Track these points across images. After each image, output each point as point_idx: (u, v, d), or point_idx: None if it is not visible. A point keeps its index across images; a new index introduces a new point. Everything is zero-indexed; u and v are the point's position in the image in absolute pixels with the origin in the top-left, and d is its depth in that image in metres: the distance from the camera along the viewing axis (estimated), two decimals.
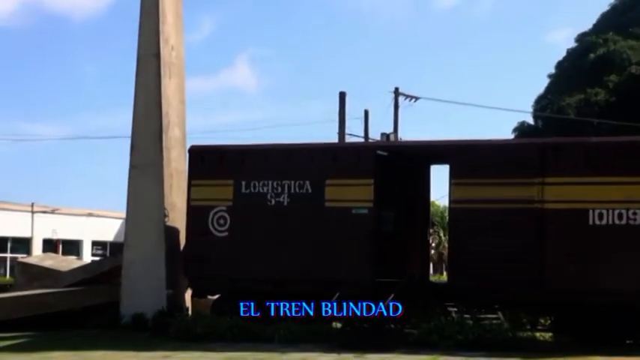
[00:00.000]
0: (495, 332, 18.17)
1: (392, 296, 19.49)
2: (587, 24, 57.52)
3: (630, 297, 18.23)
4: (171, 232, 22.17)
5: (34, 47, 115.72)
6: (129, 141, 22.68)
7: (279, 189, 20.93)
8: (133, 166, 22.37)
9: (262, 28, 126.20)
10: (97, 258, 48.55)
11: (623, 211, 18.39)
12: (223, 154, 22.02)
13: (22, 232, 56.40)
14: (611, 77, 48.41)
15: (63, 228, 58.38)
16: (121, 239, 24.37)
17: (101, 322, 21.45)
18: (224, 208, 21.26)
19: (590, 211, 18.58)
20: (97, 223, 60.53)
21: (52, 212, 58.66)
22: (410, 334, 18.75)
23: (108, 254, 55.28)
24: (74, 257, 45.90)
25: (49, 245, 56.25)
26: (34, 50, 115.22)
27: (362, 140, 39.00)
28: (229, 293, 21.24)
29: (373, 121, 42.13)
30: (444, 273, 24.92)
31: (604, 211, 18.51)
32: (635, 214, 18.31)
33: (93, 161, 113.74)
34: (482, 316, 19.76)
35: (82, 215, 60.65)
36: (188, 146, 23.07)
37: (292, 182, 20.86)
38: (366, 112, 42.20)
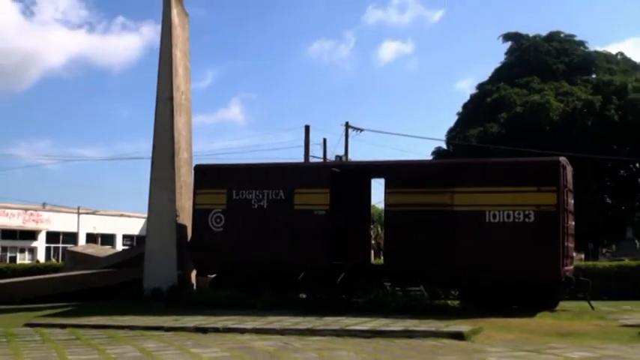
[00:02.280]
0: (419, 301, 18.30)
1: (343, 275, 19.54)
2: (484, 76, 57.82)
3: (515, 274, 18.35)
4: (181, 228, 22.08)
5: (81, 93, 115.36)
6: (149, 161, 22.59)
7: (261, 196, 20.90)
8: (153, 180, 22.27)
9: (250, 78, 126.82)
10: (126, 247, 48.17)
11: (511, 212, 18.53)
12: (219, 170, 22.04)
13: (70, 228, 55.98)
14: (502, 115, 48.80)
15: (101, 225, 58.03)
16: (144, 233, 24.21)
17: (128, 295, 21.27)
18: (220, 210, 21.19)
19: (487, 212, 18.69)
20: (126, 222, 60.17)
21: (93, 213, 58.23)
22: (356, 302, 18.76)
23: (135, 244, 54.80)
24: (109, 247, 45.51)
25: (91, 238, 55.85)
26: (82, 95, 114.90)
27: (321, 161, 39.02)
28: (224, 273, 21.19)
29: (330, 146, 42.34)
30: (381, 258, 24.92)
31: (497, 212, 18.63)
32: (519, 214, 18.46)
33: (124, 176, 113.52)
34: (409, 289, 19.78)
35: (116, 215, 60.26)
36: (193, 165, 23.09)
37: (270, 191, 20.84)
38: (325, 140, 42.40)
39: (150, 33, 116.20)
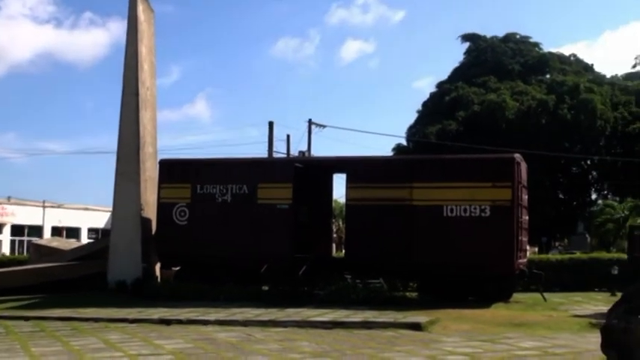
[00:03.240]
0: (378, 293, 18.34)
1: (305, 267, 19.54)
2: (443, 75, 58.33)
3: (471, 266, 18.50)
4: (146, 222, 21.86)
5: (48, 88, 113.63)
6: (115, 155, 22.35)
7: (225, 190, 20.80)
8: (118, 173, 22.00)
9: (215, 75, 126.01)
10: (91, 240, 47.59)
11: (467, 207, 18.68)
12: (184, 165, 21.91)
13: (35, 221, 55.10)
14: (460, 113, 49.31)
15: (66, 218, 57.19)
16: (109, 227, 23.94)
17: (93, 287, 21.02)
18: (184, 204, 21.05)
19: (445, 207, 18.82)
20: (91, 215, 59.42)
21: (59, 207, 57.41)
22: (318, 294, 18.77)
23: (100, 237, 54.12)
24: (74, 240, 44.88)
25: (56, 231, 55.07)
26: (49, 89, 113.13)
27: (285, 156, 38.96)
28: (188, 266, 21.06)
29: (293, 142, 42.18)
30: (343, 251, 24.99)
31: (454, 207, 18.76)
32: (475, 208, 18.61)
33: (89, 169, 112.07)
34: (369, 281, 19.84)
35: (81, 209, 59.47)
36: (158, 159, 22.88)
37: (234, 185, 20.74)
38: (288, 136, 42.28)
39: (117, 29, 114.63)
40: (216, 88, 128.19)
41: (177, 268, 21.66)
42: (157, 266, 22.28)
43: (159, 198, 21.58)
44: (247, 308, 16.46)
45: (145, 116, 22.45)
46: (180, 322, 14.59)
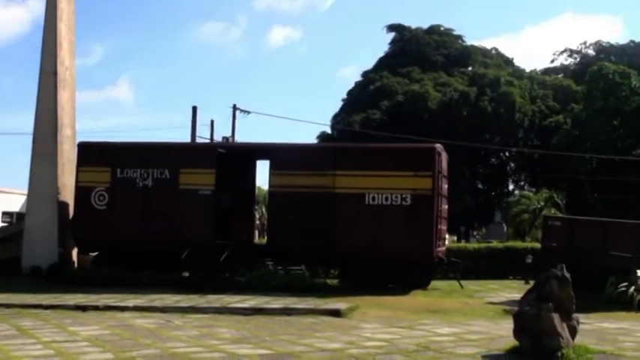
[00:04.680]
0: (300, 279, 18.42)
1: (226, 254, 19.44)
2: (369, 64, 58.83)
3: (391, 254, 18.75)
4: (63, 206, 21.30)
5: None
6: (31, 136, 21.66)
7: (146, 175, 20.47)
8: (34, 155, 21.35)
9: (139, 56, 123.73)
10: (5, 224, 46.14)
11: (389, 195, 18.91)
12: (104, 148, 21.43)
13: None
14: (384, 102, 49.79)
15: None
16: (24, 210, 23.24)
17: (6, 273, 20.35)
18: (103, 189, 20.62)
19: (367, 195, 19.01)
20: (5, 198, 57.58)
21: None
22: (239, 280, 18.71)
23: (14, 221, 52.50)
24: None
25: None
26: None
27: (208, 141, 38.54)
28: (106, 251, 20.66)
29: (217, 128, 41.78)
30: (265, 237, 25.01)
31: (376, 195, 18.97)
32: (396, 197, 18.86)
33: (4, 150, 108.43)
34: (291, 268, 19.91)
35: None
36: (77, 142, 22.30)
37: (155, 170, 20.44)
38: (212, 121, 41.79)
39: (37, 5, 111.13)
40: (140, 70, 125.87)
41: (96, 254, 21.21)
42: (74, 251, 21.77)
43: (77, 181, 21.06)
44: (167, 294, 16.26)
45: (63, 96, 21.83)
46: (96, 308, 14.30)
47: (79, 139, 22.72)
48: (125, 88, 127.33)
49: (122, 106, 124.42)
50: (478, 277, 22.89)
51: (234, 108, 41.49)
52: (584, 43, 66.36)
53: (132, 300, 15.21)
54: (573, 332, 9.53)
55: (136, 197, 20.44)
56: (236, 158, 21.55)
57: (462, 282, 20.08)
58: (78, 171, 21.11)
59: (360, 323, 12.78)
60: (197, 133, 37.39)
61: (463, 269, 21.31)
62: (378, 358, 9.26)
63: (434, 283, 20.09)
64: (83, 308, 14.26)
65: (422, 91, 49.10)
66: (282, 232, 19.75)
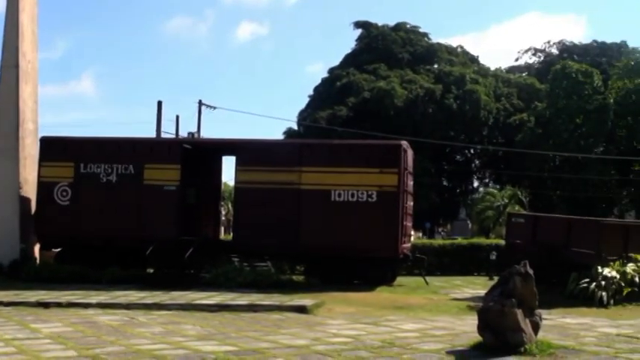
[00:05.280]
0: (265, 276, 18.40)
1: (191, 250, 19.32)
2: (335, 61, 58.88)
3: (357, 250, 18.80)
4: (25, 201, 20.97)
5: None
6: None
7: (110, 170, 20.24)
8: None
9: (104, 50, 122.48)
10: None
11: (355, 192, 18.94)
12: (67, 143, 21.09)
13: None
14: (351, 99, 49.98)
15: None
16: None
17: None
18: (67, 184, 20.34)
19: (332, 191, 19.02)
20: None
21: None
22: (204, 277, 18.62)
23: None
24: None
25: None
26: None
27: (173, 137, 38.28)
28: (69, 247, 20.40)
29: (183, 123, 41.62)
30: (231, 234, 24.93)
31: (342, 192, 18.99)
32: (362, 193, 18.90)
33: None
34: (257, 264, 19.87)
35: None
36: (40, 136, 21.95)
37: (120, 165, 20.21)
38: (177, 117, 41.69)
39: None
40: (104, 64, 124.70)
41: (58, 250, 20.92)
42: (37, 247, 21.46)
43: (39, 176, 20.73)
44: (131, 291, 16.12)
45: (25, 90, 21.48)
46: (59, 305, 14.12)
47: (42, 133, 22.38)
48: (89, 83, 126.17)
49: (86, 100, 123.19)
50: (443, 274, 23.05)
51: (200, 103, 41.33)
52: (549, 42, 67.40)
53: (95, 296, 15.04)
54: (536, 328, 9.67)
55: (100, 193, 20.19)
56: (202, 154, 21.41)
57: (427, 278, 20.22)
58: (40, 166, 20.78)
59: (325, 319, 12.80)
60: (162, 129, 37.15)
61: (428, 265, 21.46)
62: (343, 355, 9.29)
63: (399, 280, 20.19)
64: (45, 305, 14.07)
65: (388, 88, 49.34)
66: (248, 229, 19.66)
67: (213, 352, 9.28)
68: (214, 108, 42.43)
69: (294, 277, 20.20)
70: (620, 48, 60.77)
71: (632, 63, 53.64)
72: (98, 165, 20.25)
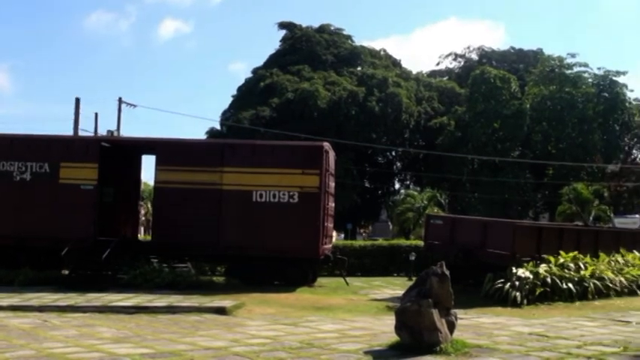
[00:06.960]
0: (185, 277, 18.24)
1: (109, 250, 18.91)
2: (259, 61, 58.77)
3: (278, 251, 18.74)
4: None
5: None
6: None
7: (24, 168, 19.60)
8: None
9: (20, 44, 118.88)
10: None
11: (276, 192, 18.94)
12: None
13: None
14: (274, 100, 49.94)
15: None
16: None
17: None
18: None
19: (254, 192, 18.96)
20: None
21: None
22: (121, 278, 18.25)
23: None
24: None
25: None
26: None
27: (92, 135, 37.42)
28: None
29: (103, 121, 40.81)
30: (150, 234, 24.53)
31: (263, 192, 18.94)
32: (284, 194, 18.90)
33: None
34: (176, 265, 19.61)
35: None
36: None
37: (34, 164, 19.59)
38: (96, 114, 40.77)
39: None
40: (19, 59, 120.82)
41: None
42: None
43: None
44: (45, 293, 15.69)
45: None
46: None
47: None
48: (3, 77, 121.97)
49: (0, 95, 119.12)
50: (364, 274, 23.25)
51: (120, 101, 40.55)
52: (468, 47, 68.92)
53: (6, 299, 14.55)
54: (452, 327, 9.87)
55: (14, 192, 19.51)
56: (120, 152, 21.00)
57: (348, 279, 20.38)
58: None
59: (245, 320, 12.75)
60: (80, 126, 36.28)
61: (349, 266, 21.64)
62: (262, 356, 9.27)
63: (320, 280, 20.28)
64: None
65: (312, 90, 49.51)
66: (168, 229, 19.39)
67: (128, 355, 9.11)
68: (135, 106, 41.72)
69: (215, 278, 20.06)
70: (537, 55, 62.69)
71: (548, 70, 55.52)
72: (11, 163, 19.58)
